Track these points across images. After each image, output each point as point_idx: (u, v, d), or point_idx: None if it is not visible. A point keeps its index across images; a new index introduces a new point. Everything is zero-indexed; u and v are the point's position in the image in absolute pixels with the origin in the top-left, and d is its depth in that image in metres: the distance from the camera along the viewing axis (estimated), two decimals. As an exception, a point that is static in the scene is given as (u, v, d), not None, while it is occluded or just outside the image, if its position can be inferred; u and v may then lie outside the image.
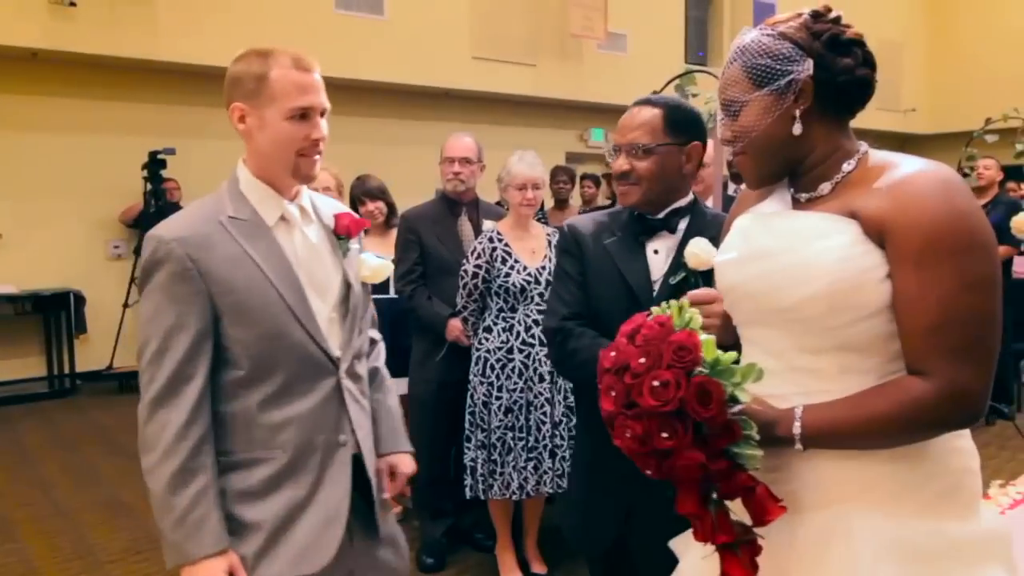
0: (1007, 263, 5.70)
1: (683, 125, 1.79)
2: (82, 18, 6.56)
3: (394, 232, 3.63)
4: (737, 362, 1.09)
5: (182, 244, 1.43)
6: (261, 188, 1.53)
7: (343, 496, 1.50)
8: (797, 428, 1.13)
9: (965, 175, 5.92)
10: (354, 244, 1.63)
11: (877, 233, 1.13)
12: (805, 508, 1.19)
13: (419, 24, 8.45)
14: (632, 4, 10.10)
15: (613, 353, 1.13)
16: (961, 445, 1.22)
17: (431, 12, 8.56)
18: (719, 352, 1.08)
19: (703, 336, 1.08)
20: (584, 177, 7.78)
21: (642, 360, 1.07)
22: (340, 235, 1.60)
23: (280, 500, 1.46)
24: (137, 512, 4.06)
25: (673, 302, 1.14)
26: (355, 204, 3.89)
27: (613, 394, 1.10)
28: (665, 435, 1.05)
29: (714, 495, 1.12)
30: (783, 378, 1.19)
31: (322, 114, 1.53)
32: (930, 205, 1.10)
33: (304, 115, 1.49)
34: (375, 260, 1.65)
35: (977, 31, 14.22)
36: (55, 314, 6.94)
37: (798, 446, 1.14)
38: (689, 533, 1.26)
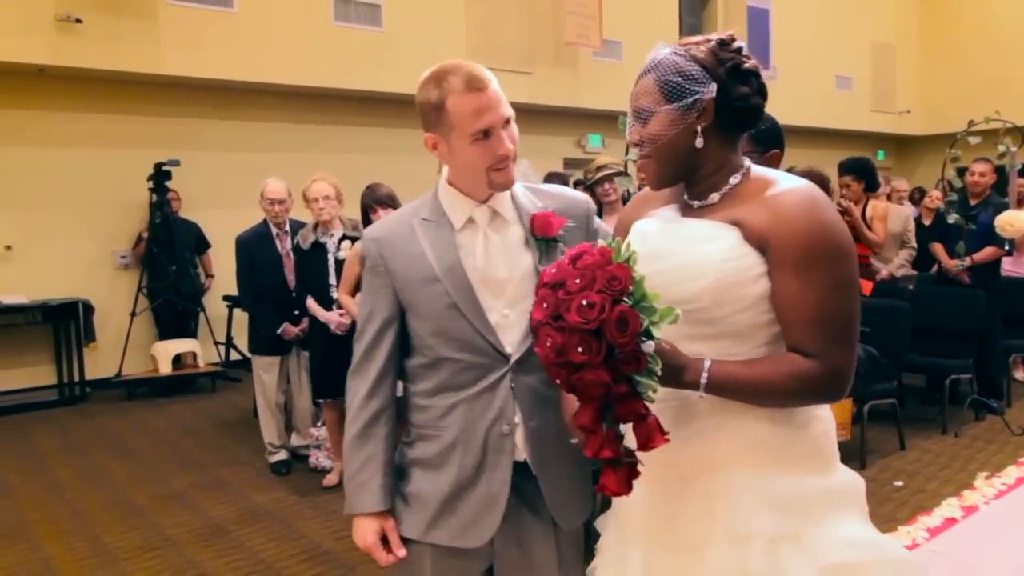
0: (996, 264, 5.80)
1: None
2: (88, 34, 6.72)
3: None
4: None
5: (376, 243, 1.62)
6: (453, 193, 1.61)
7: (503, 482, 1.58)
8: (704, 377, 1.30)
9: (960, 172, 5.98)
10: (567, 244, 1.60)
11: (757, 240, 1.32)
12: (700, 472, 1.38)
13: (416, 35, 8.60)
14: (627, 12, 10.26)
15: (554, 270, 1.25)
16: (821, 414, 1.44)
17: (428, 23, 8.72)
18: (647, 291, 1.21)
19: (637, 275, 1.21)
20: (577, 183, 7.89)
21: (577, 280, 1.19)
22: (536, 235, 1.62)
23: (448, 476, 1.59)
24: (148, 512, 4.20)
25: (617, 239, 1.27)
26: (367, 212, 4.02)
27: (545, 306, 1.22)
28: (580, 350, 1.17)
29: (609, 416, 1.25)
30: None
31: (506, 124, 1.54)
32: (800, 220, 1.30)
33: (487, 134, 1.51)
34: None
35: (971, 33, 14.36)
36: (64, 323, 7.08)
37: (701, 392, 1.31)
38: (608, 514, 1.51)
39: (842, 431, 4.34)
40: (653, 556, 1.42)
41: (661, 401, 1.32)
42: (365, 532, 1.60)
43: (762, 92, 1.40)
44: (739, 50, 1.39)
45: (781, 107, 10.47)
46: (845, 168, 5.46)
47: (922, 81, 15.17)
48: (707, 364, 1.31)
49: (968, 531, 3.66)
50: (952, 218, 5.55)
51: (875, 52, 14.38)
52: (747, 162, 1.44)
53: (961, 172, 6.24)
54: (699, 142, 1.36)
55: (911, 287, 5.93)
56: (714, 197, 1.41)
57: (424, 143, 1.59)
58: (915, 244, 6.09)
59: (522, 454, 1.60)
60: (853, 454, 4.60)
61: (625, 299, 1.19)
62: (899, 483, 4.30)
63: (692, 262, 1.34)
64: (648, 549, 1.43)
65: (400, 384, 1.70)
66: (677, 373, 1.30)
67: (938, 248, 5.85)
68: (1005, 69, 13.31)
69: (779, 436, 1.37)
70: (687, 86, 1.34)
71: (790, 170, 4.60)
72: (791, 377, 1.30)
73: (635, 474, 1.29)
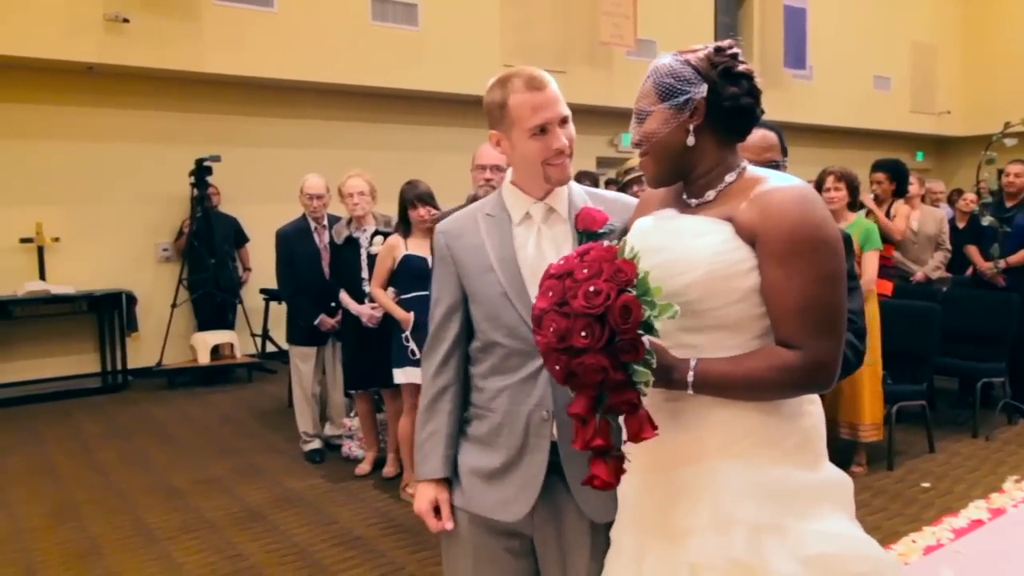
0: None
1: None
2: (134, 33, 6.94)
3: None
4: None
5: (444, 235, 1.78)
6: (514, 191, 1.74)
7: (542, 463, 1.67)
8: (691, 376, 1.36)
9: (998, 174, 5.91)
10: (606, 239, 1.66)
11: (748, 235, 1.38)
12: (689, 461, 1.42)
13: (452, 34, 8.72)
14: (661, 11, 10.26)
15: (561, 262, 1.32)
16: (811, 409, 1.47)
17: (463, 22, 8.82)
18: (650, 286, 1.28)
19: (641, 271, 1.28)
20: (609, 182, 7.95)
21: (585, 270, 1.26)
22: (579, 230, 1.70)
23: (497, 454, 1.71)
24: (188, 496, 4.35)
25: (623, 239, 1.35)
26: (405, 207, 4.13)
27: (550, 294, 1.28)
28: (584, 334, 1.23)
29: (602, 406, 1.31)
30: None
31: (563, 122, 1.66)
32: (787, 214, 1.36)
33: (543, 129, 1.64)
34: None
35: (1013, 33, 14.09)
36: (109, 313, 7.31)
37: (689, 390, 1.36)
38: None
39: (873, 432, 4.38)
40: (643, 543, 1.47)
41: (651, 394, 1.36)
42: (422, 499, 1.76)
43: (752, 93, 1.45)
44: (734, 55, 1.46)
45: (816, 107, 10.55)
46: (880, 166, 5.51)
47: (963, 81, 14.92)
48: (693, 363, 1.36)
49: (994, 533, 3.66)
50: (987, 220, 5.51)
51: (915, 52, 14.18)
52: (744, 162, 1.50)
53: (999, 174, 6.18)
54: (690, 140, 1.43)
55: (945, 289, 5.90)
56: (710, 194, 1.47)
57: (488, 139, 1.74)
58: (949, 246, 6.06)
59: (556, 439, 1.69)
60: (881, 455, 4.61)
61: (630, 290, 1.25)
62: (926, 484, 4.30)
63: (684, 256, 1.40)
64: (638, 536, 1.49)
65: None
66: (665, 372, 1.35)
67: (972, 250, 5.81)
68: (1049, 69, 13.06)
69: (768, 427, 1.41)
70: (679, 86, 1.42)
71: (823, 171, 4.62)
72: (776, 369, 1.35)
73: (622, 469, 1.34)
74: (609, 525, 1.62)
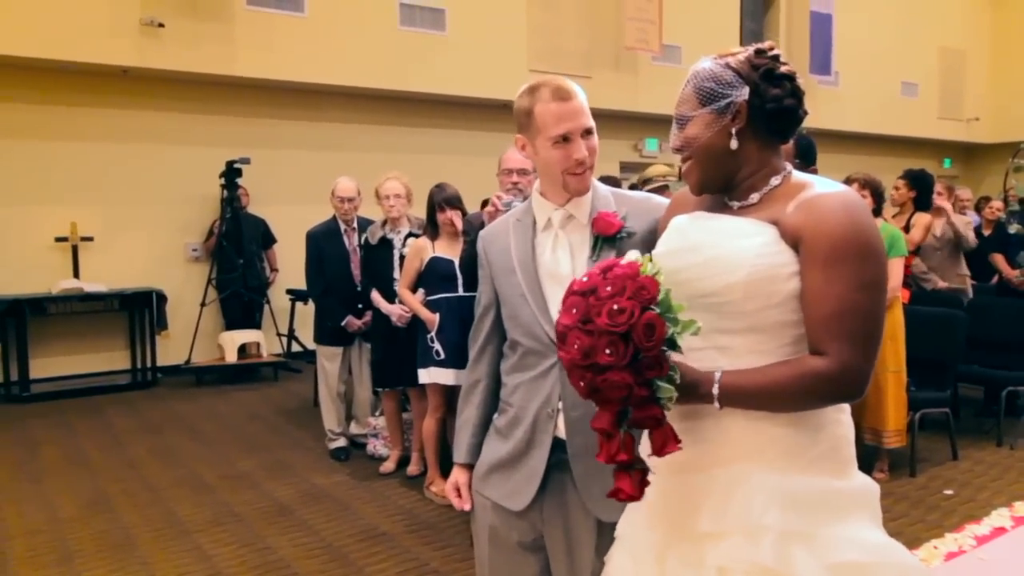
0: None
1: None
2: (168, 38, 7.09)
3: (462, 238, 3.94)
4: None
5: (482, 239, 1.92)
6: (539, 199, 1.82)
7: (543, 459, 1.75)
8: (716, 389, 1.35)
9: None
10: (624, 246, 1.70)
11: (793, 239, 1.37)
12: (715, 464, 1.42)
13: (478, 39, 8.81)
14: (687, 17, 10.28)
15: (585, 279, 1.33)
16: (840, 418, 1.46)
17: (490, 27, 8.91)
18: (673, 303, 1.30)
19: (663, 288, 1.30)
20: (632, 187, 7.98)
21: (608, 288, 1.27)
22: (594, 233, 1.76)
23: (509, 445, 1.81)
24: (217, 490, 4.45)
25: (645, 256, 1.35)
26: (433, 210, 4.20)
27: (574, 311, 1.29)
28: (608, 352, 1.24)
29: (626, 421, 1.33)
30: (702, 355, 1.42)
31: (586, 133, 1.71)
32: (835, 220, 1.35)
33: (566, 139, 1.69)
34: (630, 257, 1.64)
35: (1043, 39, 13.94)
36: (139, 311, 7.47)
37: (716, 404, 1.36)
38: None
39: (897, 438, 4.39)
40: (665, 543, 1.47)
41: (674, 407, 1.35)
42: (450, 480, 1.93)
43: (795, 95, 1.45)
44: (775, 57, 1.45)
45: (843, 113, 10.53)
46: (906, 172, 5.61)
47: (992, 88, 14.77)
48: (718, 376, 1.36)
49: (1017, 541, 3.66)
50: (1014, 228, 5.50)
51: (943, 58, 14.07)
52: (789, 167, 1.49)
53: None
54: (734, 143, 1.43)
55: (970, 297, 5.88)
56: (754, 197, 1.46)
57: (515, 143, 1.82)
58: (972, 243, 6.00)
59: (564, 436, 1.75)
60: (904, 461, 4.61)
61: (653, 307, 1.27)
62: (949, 492, 4.30)
63: (726, 256, 1.39)
64: (660, 536, 1.48)
65: None
66: (690, 388, 1.35)
67: (998, 259, 5.79)
68: (1081, 76, 12.91)
69: (792, 437, 1.40)
70: (720, 90, 1.42)
71: (847, 178, 4.64)
72: (803, 376, 1.33)
73: (646, 482, 1.36)
74: (615, 523, 1.64)
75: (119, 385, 7.20)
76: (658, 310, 1.28)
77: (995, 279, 6.31)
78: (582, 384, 1.30)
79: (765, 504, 1.36)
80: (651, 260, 1.34)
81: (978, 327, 5.13)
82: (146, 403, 6.66)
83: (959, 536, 3.68)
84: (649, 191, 4.28)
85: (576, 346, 1.27)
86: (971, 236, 5.90)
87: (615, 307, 1.25)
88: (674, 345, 1.30)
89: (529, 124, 1.74)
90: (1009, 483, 4.44)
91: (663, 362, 1.29)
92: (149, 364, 7.43)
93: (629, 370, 1.25)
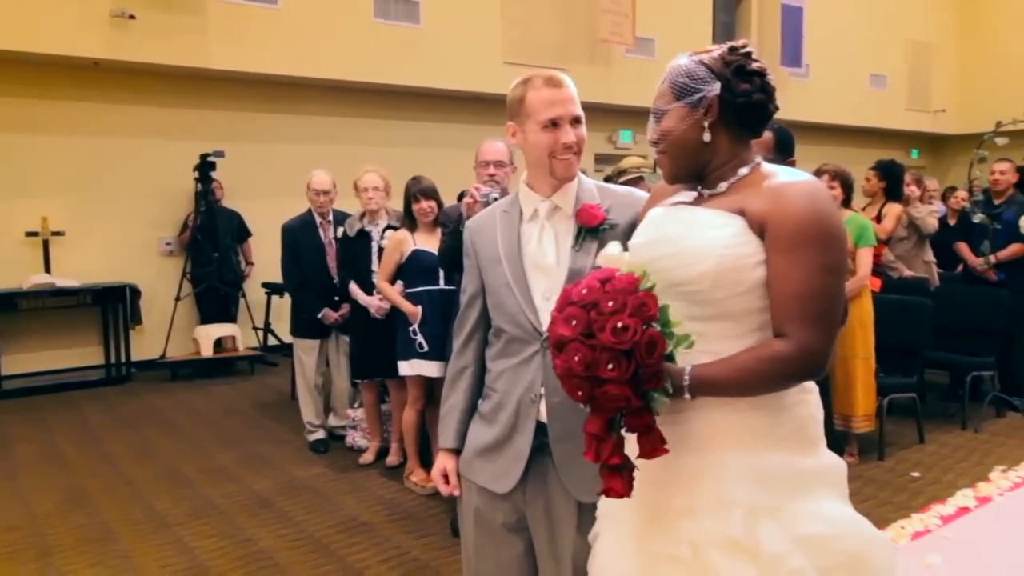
0: (1022, 260, 5.85)
1: None
2: (140, 30, 7.01)
3: (440, 230, 3.97)
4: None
5: (469, 230, 1.96)
6: (526, 190, 1.87)
7: (527, 443, 1.81)
8: (687, 380, 1.40)
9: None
10: (606, 237, 1.74)
11: (758, 226, 1.44)
12: (687, 446, 1.49)
13: (453, 32, 8.81)
14: (660, 10, 10.35)
15: (584, 290, 1.36)
16: (806, 398, 1.53)
17: (464, 20, 8.91)
18: (670, 318, 1.36)
19: (661, 301, 1.35)
20: (607, 179, 8.04)
21: (610, 303, 1.32)
22: (577, 224, 1.81)
23: (494, 430, 1.86)
24: (196, 484, 4.45)
25: (639, 268, 1.40)
26: (409, 202, 4.23)
27: (574, 323, 1.33)
28: (611, 367, 1.29)
29: (617, 426, 1.39)
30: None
31: (575, 122, 1.78)
32: (798, 207, 1.42)
33: (554, 123, 1.76)
34: (611, 249, 1.65)
35: (1007, 33, 14.21)
36: (112, 306, 7.40)
37: (687, 395, 1.42)
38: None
39: (866, 423, 4.51)
40: (644, 521, 1.54)
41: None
42: (437, 466, 1.96)
43: (765, 90, 1.52)
44: (747, 54, 1.53)
45: (813, 105, 10.68)
46: (875, 164, 5.79)
47: (958, 80, 15.04)
48: (688, 369, 1.41)
49: (980, 520, 3.78)
50: (978, 218, 5.63)
51: (911, 50, 14.29)
52: (758, 159, 1.57)
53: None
54: (706, 136, 1.51)
55: (936, 285, 6.02)
56: (722, 186, 1.54)
57: (506, 131, 1.87)
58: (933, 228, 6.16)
59: (546, 421, 1.81)
60: (872, 445, 4.73)
61: (653, 324, 1.33)
62: (916, 474, 4.42)
63: (696, 246, 1.46)
64: (640, 515, 1.55)
65: None
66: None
67: (962, 247, 5.93)
68: (1043, 69, 13.18)
69: (759, 419, 1.47)
70: (693, 85, 1.49)
71: (817, 170, 4.74)
72: (767, 360, 1.40)
73: (634, 477, 1.43)
74: (594, 504, 1.70)
75: (93, 381, 7.13)
76: (658, 327, 1.33)
77: (960, 267, 6.46)
78: (580, 393, 1.34)
79: (735, 482, 1.44)
80: (647, 273, 1.39)
81: (944, 314, 5.27)
82: (121, 398, 6.62)
83: (925, 516, 3.79)
84: (624, 183, 4.35)
85: (577, 358, 1.31)
86: (931, 222, 6.04)
87: (619, 325, 1.29)
88: (671, 359, 1.36)
89: (520, 110, 1.80)
90: (973, 465, 4.57)
91: (660, 375, 1.34)
92: (123, 359, 7.37)
93: (629, 384, 1.31)
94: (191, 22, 7.29)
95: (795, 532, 1.41)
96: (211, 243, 7.37)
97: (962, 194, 7.25)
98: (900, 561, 1.58)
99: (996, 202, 5.83)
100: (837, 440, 4.51)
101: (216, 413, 6.09)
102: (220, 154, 7.29)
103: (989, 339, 5.46)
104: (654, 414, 1.37)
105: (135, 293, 7.41)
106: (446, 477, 1.94)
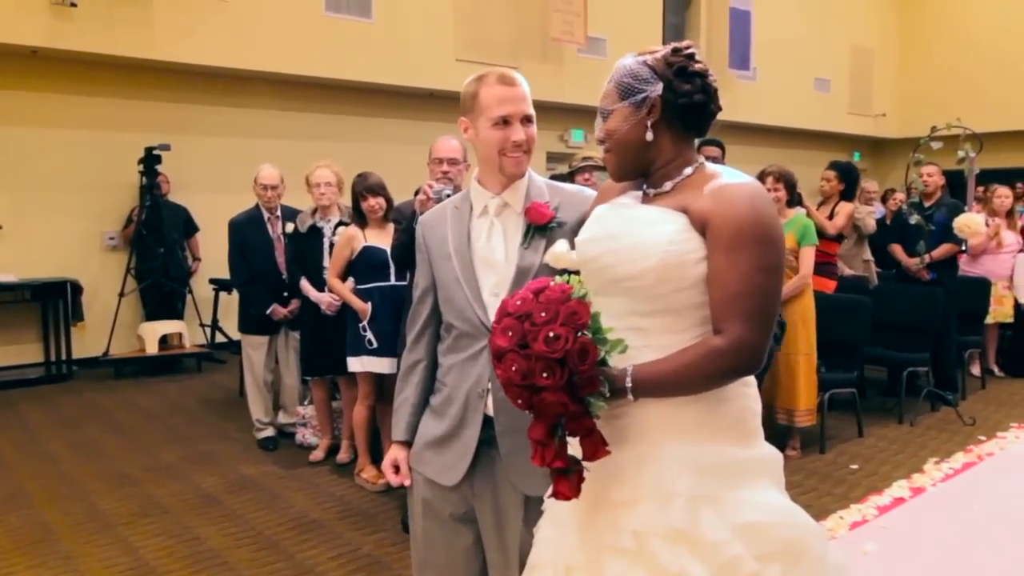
0: (953, 260, 6.11)
1: None
2: (82, 17, 6.82)
3: (391, 226, 3.97)
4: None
5: (421, 225, 1.97)
6: (477, 187, 1.90)
7: (474, 437, 1.84)
8: (628, 382, 1.45)
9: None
10: (554, 235, 1.80)
11: (700, 225, 1.49)
12: (629, 439, 1.53)
13: (405, 27, 8.77)
14: (611, 10, 10.46)
15: (519, 302, 1.40)
16: (745, 391, 1.59)
17: (416, 15, 8.87)
18: (602, 324, 1.41)
19: (592, 309, 1.40)
20: (554, 178, 8.10)
21: (543, 314, 1.36)
22: (526, 221, 1.84)
23: (443, 424, 1.88)
24: (141, 482, 4.37)
25: (573, 276, 1.45)
26: (357, 199, 4.22)
27: (510, 334, 1.37)
28: (545, 375, 1.33)
29: (560, 430, 1.43)
30: (619, 336, 1.50)
31: (525, 120, 1.81)
32: (739, 208, 1.47)
33: (505, 121, 1.79)
34: (558, 247, 1.78)
35: (947, 39, 14.68)
36: (53, 302, 7.19)
37: (630, 396, 1.46)
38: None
39: (808, 417, 4.65)
40: (587, 512, 1.57)
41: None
42: (388, 457, 1.98)
43: (706, 91, 1.56)
44: (690, 55, 1.57)
45: (760, 107, 10.90)
46: (834, 165, 5.98)
47: (898, 85, 15.49)
48: (629, 370, 1.45)
49: (914, 509, 3.94)
50: (914, 219, 5.84)
51: (853, 55, 14.68)
52: (701, 159, 1.62)
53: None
54: (649, 135, 1.55)
55: (875, 283, 6.22)
56: (667, 185, 1.58)
57: (459, 125, 1.89)
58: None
59: (493, 415, 1.84)
60: (813, 439, 4.88)
61: (585, 332, 1.37)
62: (855, 466, 4.57)
63: (640, 243, 1.50)
64: (583, 506, 1.57)
65: None
66: (610, 384, 1.45)
67: (896, 249, 6.15)
68: (979, 75, 13.66)
69: (700, 413, 1.51)
70: (637, 85, 1.54)
71: (762, 171, 4.87)
72: (704, 356, 1.44)
73: (582, 480, 1.47)
74: (541, 497, 1.73)
75: (31, 379, 6.91)
76: (589, 334, 1.37)
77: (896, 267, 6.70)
78: (519, 401, 1.39)
79: (676, 472, 1.48)
80: (580, 281, 1.43)
81: (882, 312, 5.45)
82: (62, 397, 6.44)
83: (863, 507, 3.93)
84: (577, 167, 4.41)
85: (514, 368, 1.35)
86: (869, 222, 6.30)
87: (551, 334, 1.34)
88: (604, 364, 1.40)
89: (473, 106, 1.82)
90: (909, 457, 4.75)
91: (595, 380, 1.38)
92: (64, 357, 7.17)
93: (564, 391, 1.35)
94: (135, 12, 7.12)
95: (734, 520, 1.46)
96: (157, 238, 7.21)
97: (901, 196, 7.50)
98: (835, 549, 1.64)
99: (927, 204, 6.08)
100: (780, 434, 4.64)
101: (162, 411, 5.97)
102: (166, 147, 7.13)
103: (924, 336, 5.67)
104: (593, 418, 1.42)
105: (76, 288, 7.21)
106: (396, 468, 1.96)
